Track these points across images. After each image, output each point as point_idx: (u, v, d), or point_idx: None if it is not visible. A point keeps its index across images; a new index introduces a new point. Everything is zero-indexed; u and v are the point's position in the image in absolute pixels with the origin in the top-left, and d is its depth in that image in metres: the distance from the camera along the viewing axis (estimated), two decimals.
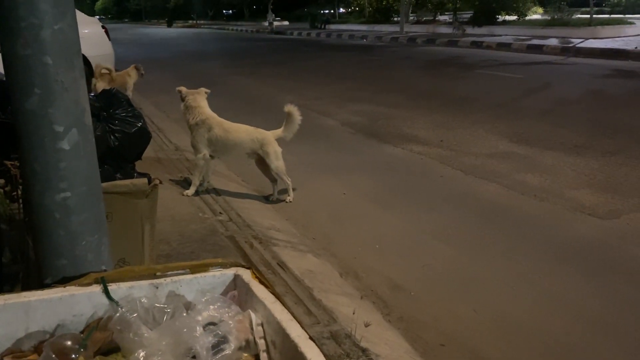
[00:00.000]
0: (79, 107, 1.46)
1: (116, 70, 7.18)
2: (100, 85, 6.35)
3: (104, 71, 6.50)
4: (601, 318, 2.58)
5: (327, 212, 3.84)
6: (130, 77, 6.78)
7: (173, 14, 58.52)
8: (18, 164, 1.66)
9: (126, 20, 77.47)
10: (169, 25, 51.71)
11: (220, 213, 3.46)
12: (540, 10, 24.51)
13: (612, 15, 22.61)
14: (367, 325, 2.27)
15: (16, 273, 1.80)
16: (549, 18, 21.45)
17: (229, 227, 3.22)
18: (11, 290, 1.87)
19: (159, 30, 41.07)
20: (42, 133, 1.41)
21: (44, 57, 1.37)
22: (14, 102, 1.41)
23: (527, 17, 23.67)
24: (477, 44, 17.62)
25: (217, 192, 3.94)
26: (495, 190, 4.17)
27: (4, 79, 1.46)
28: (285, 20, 42.39)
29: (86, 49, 7.00)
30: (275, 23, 35.03)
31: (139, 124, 2.10)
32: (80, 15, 7.27)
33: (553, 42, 16.08)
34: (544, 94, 8.39)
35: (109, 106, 2.07)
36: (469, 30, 22.45)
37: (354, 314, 2.30)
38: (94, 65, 6.64)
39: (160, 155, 4.87)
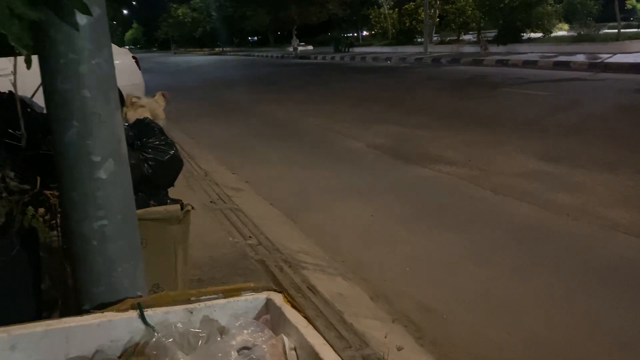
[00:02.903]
0: (115, 137, 1.51)
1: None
2: (131, 114, 6.51)
3: (134, 100, 6.66)
4: None
5: (355, 234, 3.83)
6: (159, 105, 6.93)
7: (199, 42, 60.33)
8: (57, 193, 1.72)
9: (155, 49, 79.82)
10: (175, 51, 54.77)
11: (249, 237, 3.49)
12: (566, 26, 24.33)
13: None
14: (399, 349, 2.25)
15: (55, 299, 1.85)
16: (575, 34, 21.26)
17: (259, 251, 3.24)
18: (49, 316, 1.92)
19: (186, 59, 42.02)
20: (80, 163, 1.46)
21: (82, 90, 1.43)
22: (53, 134, 1.47)
23: (553, 34, 23.50)
24: (502, 62, 17.56)
25: (246, 215, 3.98)
26: (527, 209, 4.11)
27: (44, 112, 1.52)
28: (310, 45, 43.07)
29: (117, 79, 7.25)
30: (300, 48, 35.60)
31: (172, 152, 2.15)
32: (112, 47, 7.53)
33: (580, 58, 15.92)
34: (573, 110, 8.28)
35: (143, 135, 2.12)
36: (494, 48, 22.40)
37: (385, 337, 2.28)
38: (125, 95, 6.82)
39: (190, 182, 4.95)
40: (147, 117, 2.22)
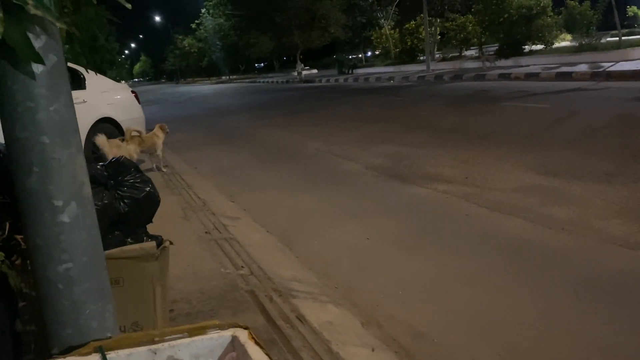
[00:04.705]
0: (76, 181, 1.53)
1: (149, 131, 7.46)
2: (131, 147, 6.60)
3: (134, 134, 6.76)
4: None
5: (350, 259, 3.81)
6: (159, 138, 7.03)
7: (206, 71, 61.47)
8: None
9: (163, 80, 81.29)
10: (177, 82, 57.22)
11: (242, 267, 3.49)
12: (569, 36, 24.35)
13: None
14: None
15: (30, 343, 1.86)
16: (577, 44, 21.28)
17: (250, 281, 3.24)
18: (34, 358, 1.93)
19: (193, 88, 42.57)
20: (42, 208, 1.48)
21: (41, 137, 1.45)
22: (16, 181, 1.49)
23: (555, 45, 23.54)
24: (504, 76, 17.57)
25: (241, 244, 3.98)
26: (522, 226, 4.06)
27: None
28: (314, 68, 43.54)
29: (117, 114, 7.38)
30: (304, 72, 36.00)
31: (147, 189, 2.17)
32: (111, 83, 7.69)
33: (582, 67, 15.90)
34: (573, 121, 8.24)
35: (118, 174, 2.15)
36: (497, 62, 22.45)
37: None
38: (124, 129, 6.93)
39: (187, 213, 4.97)
40: (123, 156, 2.24)
